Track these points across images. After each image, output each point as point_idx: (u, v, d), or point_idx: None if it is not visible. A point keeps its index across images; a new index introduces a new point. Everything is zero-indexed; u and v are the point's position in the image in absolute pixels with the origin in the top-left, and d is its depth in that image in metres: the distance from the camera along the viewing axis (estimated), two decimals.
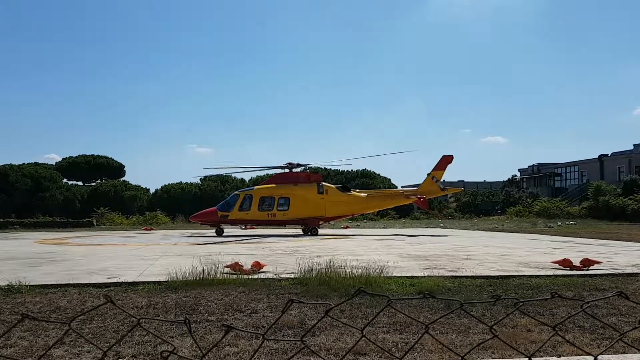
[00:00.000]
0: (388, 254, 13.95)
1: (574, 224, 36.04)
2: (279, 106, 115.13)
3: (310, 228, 25.63)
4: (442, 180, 29.59)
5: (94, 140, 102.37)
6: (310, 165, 31.15)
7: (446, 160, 28.27)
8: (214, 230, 25.19)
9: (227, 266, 9.80)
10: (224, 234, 24.78)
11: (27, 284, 7.95)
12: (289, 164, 26.73)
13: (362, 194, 27.88)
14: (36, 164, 59.62)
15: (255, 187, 27.55)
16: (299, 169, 27.30)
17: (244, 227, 29.11)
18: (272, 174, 28.75)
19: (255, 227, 30.35)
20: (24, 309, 6.44)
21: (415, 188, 29.92)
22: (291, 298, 1.13)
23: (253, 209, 25.32)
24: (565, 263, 10.15)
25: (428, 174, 28.55)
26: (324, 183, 26.83)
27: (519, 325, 5.48)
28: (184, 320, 1.20)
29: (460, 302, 1.40)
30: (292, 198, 25.60)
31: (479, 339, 4.98)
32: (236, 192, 27.11)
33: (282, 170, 27.18)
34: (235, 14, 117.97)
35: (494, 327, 1.38)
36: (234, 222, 26.01)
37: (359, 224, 40.20)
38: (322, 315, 1.36)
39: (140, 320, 1.18)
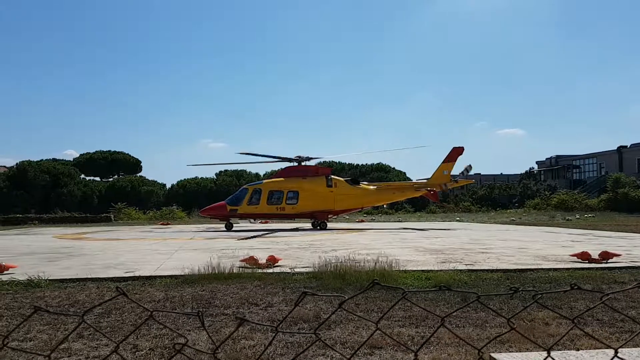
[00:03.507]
0: (403, 247, 13.90)
1: (593, 216, 35.59)
2: (293, 102, 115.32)
3: (319, 222, 25.52)
4: (460, 172, 29.36)
5: (111, 136, 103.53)
6: (324, 160, 31.05)
7: (457, 151, 27.99)
8: (224, 225, 25.26)
9: (242, 260, 9.86)
10: (239, 229, 24.89)
11: (46, 278, 8.07)
12: (298, 157, 26.63)
13: (372, 187, 27.70)
14: (54, 160, 60.41)
15: (264, 181, 27.47)
16: (308, 162, 27.14)
17: (253, 220, 28.97)
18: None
19: (268, 221, 30.42)
20: (43, 303, 6.53)
21: (425, 180, 29.64)
22: (305, 290, 1.12)
23: (262, 203, 25.24)
24: (584, 256, 10.03)
25: (439, 166, 28.31)
26: (333, 176, 26.66)
27: (536, 319, 5.42)
28: (197, 313, 1.20)
29: (477, 294, 1.38)
30: (300, 191, 25.46)
31: (496, 333, 4.94)
32: (245, 186, 27.04)
33: (291, 163, 27.06)
34: (249, 11, 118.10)
35: (511, 319, 1.35)
36: (243, 216, 26.00)
37: (374, 217, 40.14)
38: (337, 307, 1.34)
39: (153, 313, 1.18)
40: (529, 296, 6.56)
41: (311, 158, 26.93)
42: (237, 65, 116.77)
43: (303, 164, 26.80)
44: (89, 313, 5.98)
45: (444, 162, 27.98)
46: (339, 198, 25.82)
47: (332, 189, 25.84)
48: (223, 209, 25.36)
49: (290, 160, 27.04)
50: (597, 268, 9.11)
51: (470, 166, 31.17)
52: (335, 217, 28.21)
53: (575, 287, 1.27)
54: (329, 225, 28.70)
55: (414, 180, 31.64)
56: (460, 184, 32.52)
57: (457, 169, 28.93)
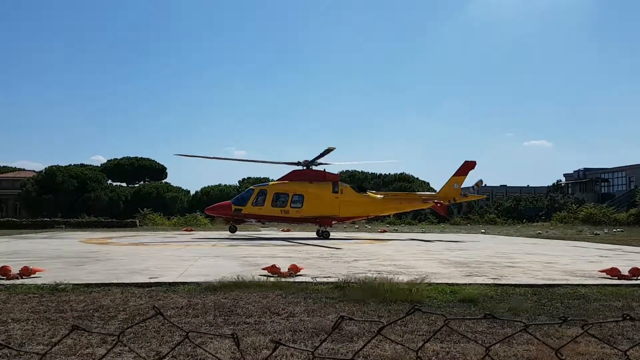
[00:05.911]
0: (427, 259, 13.74)
1: (622, 231, 34.78)
2: (315, 109, 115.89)
3: (322, 229, 25.11)
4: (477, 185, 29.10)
5: (138, 142, 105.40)
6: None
7: (468, 165, 27.55)
8: (228, 228, 25.30)
9: (264, 269, 9.85)
10: (258, 236, 24.91)
11: (71, 282, 8.17)
12: (305, 161, 26.24)
13: (378, 196, 27.25)
14: (82, 165, 61.57)
15: (270, 183, 27.08)
16: (316, 167, 26.76)
17: (262, 223, 28.81)
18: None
19: (290, 229, 30.37)
20: (69, 307, 6.60)
21: (435, 192, 29.30)
22: (342, 315, 1.09)
23: (267, 205, 24.92)
24: (613, 272, 9.76)
25: (449, 179, 27.90)
26: (340, 182, 26.18)
27: (564, 337, 5.27)
28: (232, 335, 1.17)
29: (524, 323, 1.31)
30: (306, 195, 25.08)
31: (523, 350, 4.82)
32: (251, 187, 26.80)
33: (299, 167, 26.45)
34: (276, 21, 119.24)
35: (559, 350, 1.28)
36: (247, 217, 25.83)
37: (396, 228, 39.88)
38: (375, 333, 1.30)
39: (189, 334, 1.15)
40: (557, 312, 6.40)
41: (322, 163, 26.46)
42: (263, 73, 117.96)
43: (310, 168, 26.44)
44: (114, 320, 6.01)
45: (454, 175, 27.58)
46: (344, 205, 25.39)
47: (337, 195, 25.39)
48: (228, 208, 25.36)
49: (295, 164, 26.62)
50: (627, 285, 8.86)
51: (480, 181, 30.99)
52: (340, 223, 27.82)
53: (628, 317, 1.20)
54: (351, 234, 28.60)
55: (438, 191, 31.20)
56: (470, 198, 31.95)
57: (468, 182, 28.70)
